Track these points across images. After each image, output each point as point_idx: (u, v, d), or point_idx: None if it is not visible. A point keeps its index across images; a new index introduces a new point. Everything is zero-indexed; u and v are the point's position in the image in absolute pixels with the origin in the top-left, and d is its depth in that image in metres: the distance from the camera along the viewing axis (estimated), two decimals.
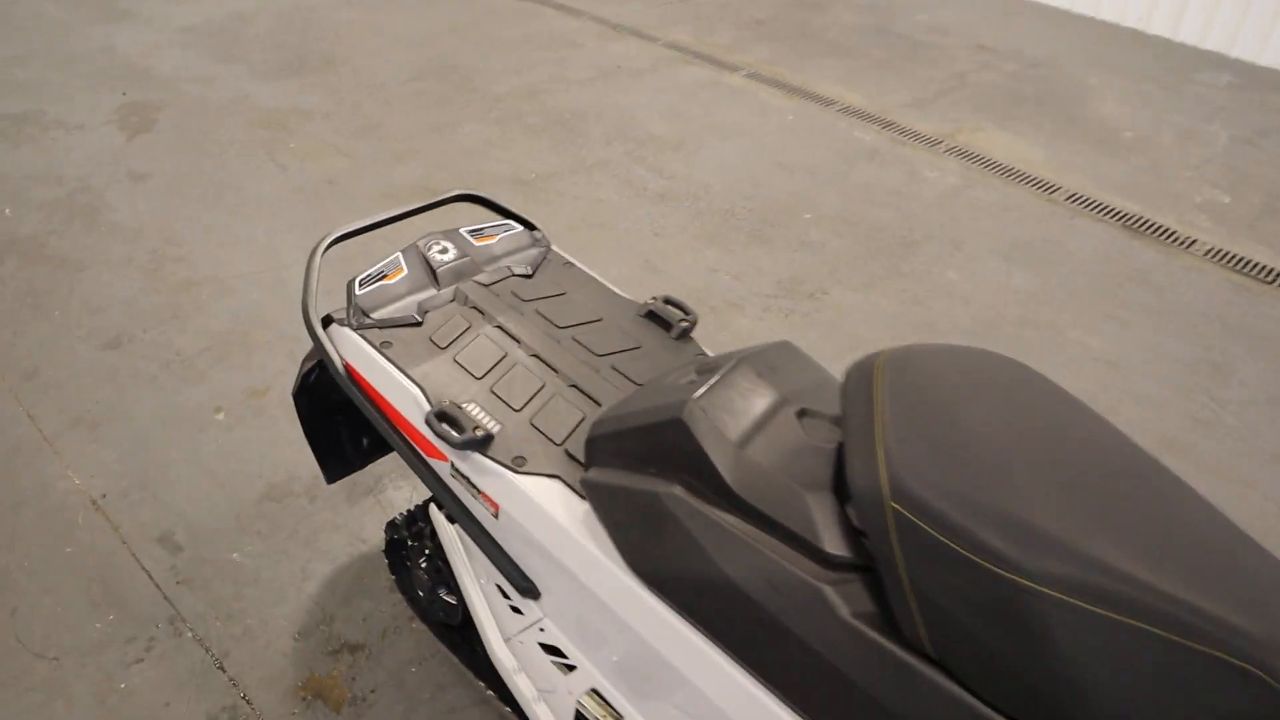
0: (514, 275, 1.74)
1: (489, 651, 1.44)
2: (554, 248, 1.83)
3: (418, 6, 5.16)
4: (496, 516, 1.41)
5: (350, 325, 1.58)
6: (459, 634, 1.84)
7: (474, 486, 1.42)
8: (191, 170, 3.41)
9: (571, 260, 1.81)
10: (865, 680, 1.06)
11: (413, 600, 1.90)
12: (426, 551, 1.75)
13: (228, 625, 1.88)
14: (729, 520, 1.17)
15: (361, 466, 1.92)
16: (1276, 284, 3.39)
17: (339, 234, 1.68)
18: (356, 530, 2.09)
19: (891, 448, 1.04)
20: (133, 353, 2.54)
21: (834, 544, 1.11)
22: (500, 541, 1.44)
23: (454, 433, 1.39)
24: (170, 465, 2.21)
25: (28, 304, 2.69)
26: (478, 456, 1.39)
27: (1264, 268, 3.47)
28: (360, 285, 1.63)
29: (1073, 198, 3.83)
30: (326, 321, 1.62)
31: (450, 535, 1.50)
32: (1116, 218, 3.70)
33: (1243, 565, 0.93)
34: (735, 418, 1.23)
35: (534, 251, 1.80)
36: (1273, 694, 0.84)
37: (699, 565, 1.18)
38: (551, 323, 1.64)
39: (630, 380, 1.54)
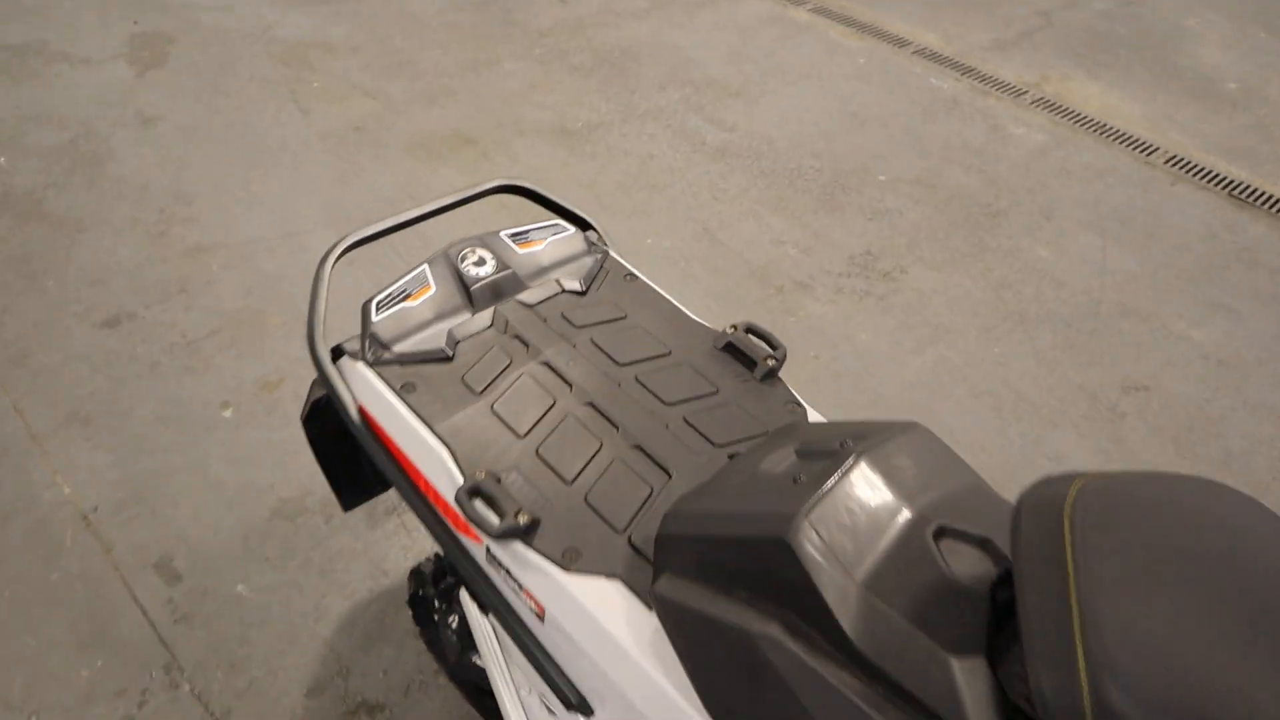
0: (564, 292, 1.44)
1: None
2: (612, 254, 1.52)
3: None
4: (542, 619, 1.14)
5: (365, 360, 1.30)
6: (493, 699, 1.60)
7: (514, 580, 1.15)
8: (205, 113, 3.11)
9: (634, 271, 1.51)
10: None
11: (440, 656, 1.65)
12: (457, 616, 1.50)
13: (230, 676, 1.65)
14: (845, 680, 0.89)
15: (382, 491, 1.66)
16: None
17: (354, 239, 1.39)
18: (378, 559, 1.84)
19: (1096, 651, 0.74)
20: (133, 333, 2.28)
21: None
22: (546, 645, 1.17)
23: (491, 516, 1.12)
24: (171, 473, 1.97)
25: (20, 272, 2.43)
26: (520, 547, 1.12)
27: None
28: (377, 309, 1.34)
29: (1173, 160, 3.44)
30: (337, 353, 1.34)
31: (483, 628, 1.24)
32: (1221, 184, 3.32)
33: None
34: (855, 540, 0.94)
35: (588, 260, 1.50)
36: None
37: None
38: (610, 358, 1.34)
39: (707, 440, 1.25)
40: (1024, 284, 2.76)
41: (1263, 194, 3.29)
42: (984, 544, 0.96)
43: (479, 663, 1.53)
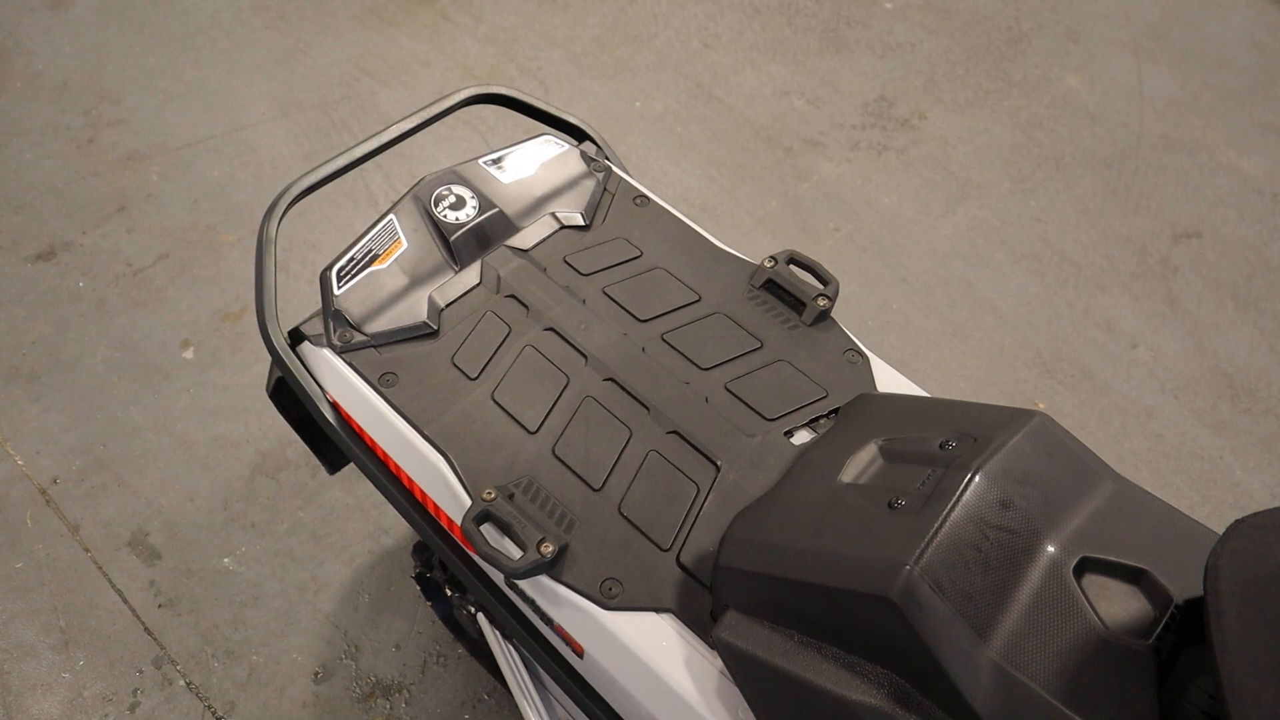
0: (564, 228, 1.19)
1: None
2: (616, 170, 1.27)
3: None
4: (581, 656, 0.96)
5: (331, 345, 1.06)
6: None
7: (544, 614, 0.97)
8: None
9: (645, 192, 1.25)
10: None
11: (457, 632, 1.49)
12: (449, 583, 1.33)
13: (228, 666, 1.49)
14: None
15: None
16: None
17: (300, 188, 1.14)
18: (375, 515, 1.66)
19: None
20: (71, 265, 2.02)
21: None
22: (588, 678, 0.99)
23: (509, 548, 0.92)
24: (134, 432, 1.76)
25: None
26: (549, 583, 0.92)
27: None
28: (339, 279, 1.09)
29: None
30: (297, 338, 1.11)
31: (511, 660, 1.06)
32: None
33: None
34: (979, 591, 0.75)
35: (589, 183, 1.24)
36: None
37: None
38: (629, 313, 1.11)
39: (757, 413, 1.03)
40: (1056, 122, 2.49)
41: None
42: (1138, 576, 0.77)
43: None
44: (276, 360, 1.08)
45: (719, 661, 0.88)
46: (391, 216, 1.15)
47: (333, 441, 1.29)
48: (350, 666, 1.50)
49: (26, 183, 2.18)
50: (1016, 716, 0.70)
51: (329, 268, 1.10)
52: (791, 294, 1.14)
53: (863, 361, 1.10)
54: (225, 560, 1.61)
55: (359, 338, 1.06)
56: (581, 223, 1.20)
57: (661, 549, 0.94)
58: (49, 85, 2.41)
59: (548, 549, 0.90)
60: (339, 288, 1.08)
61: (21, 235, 2.07)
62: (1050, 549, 0.77)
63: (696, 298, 1.14)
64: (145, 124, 2.32)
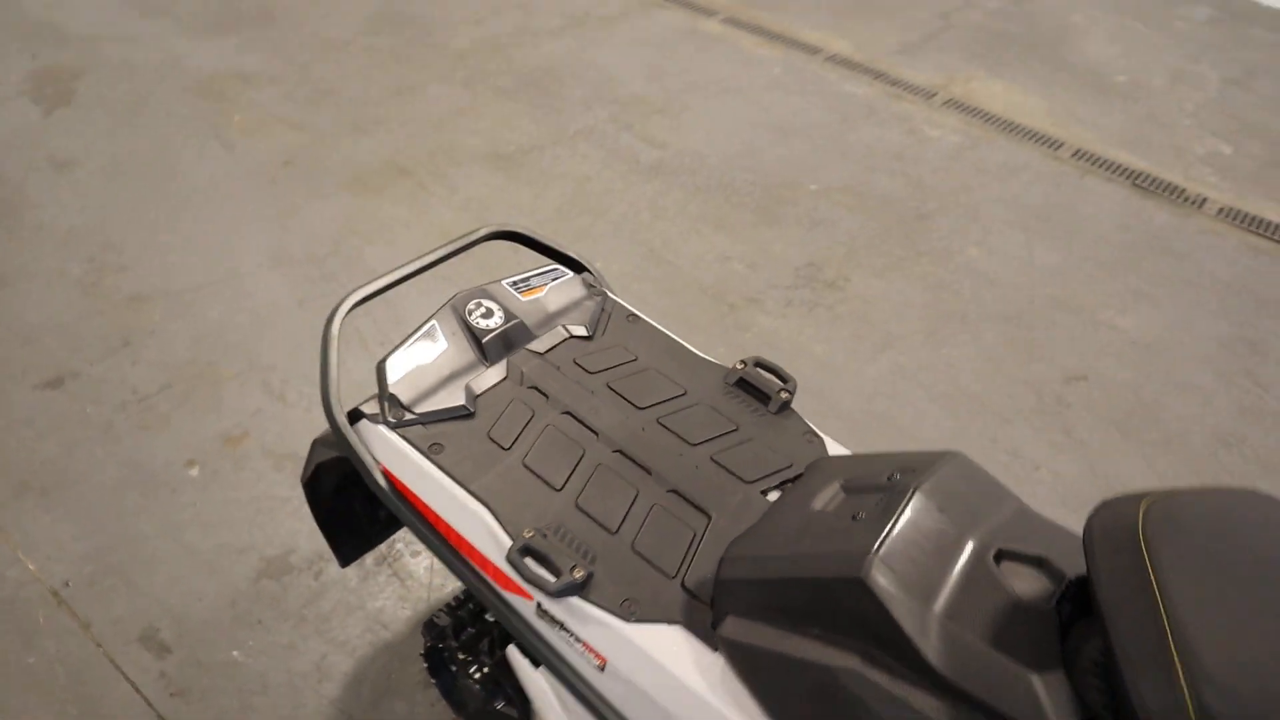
0: (572, 338, 1.44)
1: None
2: (610, 295, 1.54)
3: None
4: (602, 670, 1.15)
5: (386, 422, 1.28)
6: None
7: (571, 634, 1.16)
8: (124, 153, 2.99)
9: (635, 312, 1.52)
10: None
11: (458, 705, 1.63)
12: (484, 666, 1.49)
13: None
14: (930, 704, 0.93)
15: (379, 543, 1.63)
16: None
17: (356, 299, 1.37)
18: (374, 612, 1.81)
19: (1190, 653, 0.80)
20: (79, 393, 2.18)
21: None
22: (607, 696, 1.18)
23: (548, 575, 1.12)
24: (142, 541, 1.90)
25: None
26: (578, 602, 1.12)
27: (1275, 227, 3.31)
28: (393, 369, 1.32)
29: (1078, 154, 3.61)
30: (354, 417, 1.32)
31: (540, 686, 1.24)
32: (1125, 176, 3.50)
33: None
34: (924, 571, 0.98)
35: (590, 304, 1.50)
36: None
37: None
38: (630, 402, 1.35)
39: (738, 478, 1.27)
40: (960, 284, 2.87)
41: (1164, 182, 3.48)
42: (1040, 563, 1.01)
43: (504, 709, 1.52)
44: (338, 434, 1.28)
45: (722, 660, 1.08)
46: (434, 321, 1.38)
47: (347, 534, 1.48)
48: None
49: (34, 319, 2.36)
50: (958, 659, 0.92)
51: (384, 360, 1.32)
52: (759, 389, 1.40)
53: (819, 440, 1.35)
54: (234, 653, 1.73)
55: (410, 416, 1.28)
56: (586, 334, 1.46)
57: (669, 576, 1.15)
58: (55, 235, 2.63)
59: (579, 573, 1.11)
60: (392, 375, 1.31)
61: (30, 365, 2.24)
62: (974, 543, 1.01)
63: (683, 391, 1.39)
64: (147, 270, 2.54)
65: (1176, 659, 0.80)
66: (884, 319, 2.69)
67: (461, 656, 1.51)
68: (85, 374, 2.23)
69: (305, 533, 1.93)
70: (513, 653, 1.27)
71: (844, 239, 2.99)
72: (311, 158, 3.05)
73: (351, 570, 1.87)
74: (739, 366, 1.42)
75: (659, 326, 1.50)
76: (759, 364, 1.43)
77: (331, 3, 4.07)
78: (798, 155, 3.38)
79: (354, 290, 1.38)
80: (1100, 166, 3.54)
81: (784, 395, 1.39)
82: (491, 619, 1.55)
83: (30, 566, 1.83)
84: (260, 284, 2.52)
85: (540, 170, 3.12)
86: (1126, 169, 3.54)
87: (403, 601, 1.83)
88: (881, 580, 0.95)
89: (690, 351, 1.47)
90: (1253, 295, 2.96)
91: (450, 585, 1.85)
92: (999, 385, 2.51)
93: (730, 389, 1.41)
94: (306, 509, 1.91)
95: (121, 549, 1.88)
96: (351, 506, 1.56)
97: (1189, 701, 0.78)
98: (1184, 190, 3.47)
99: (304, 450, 2.02)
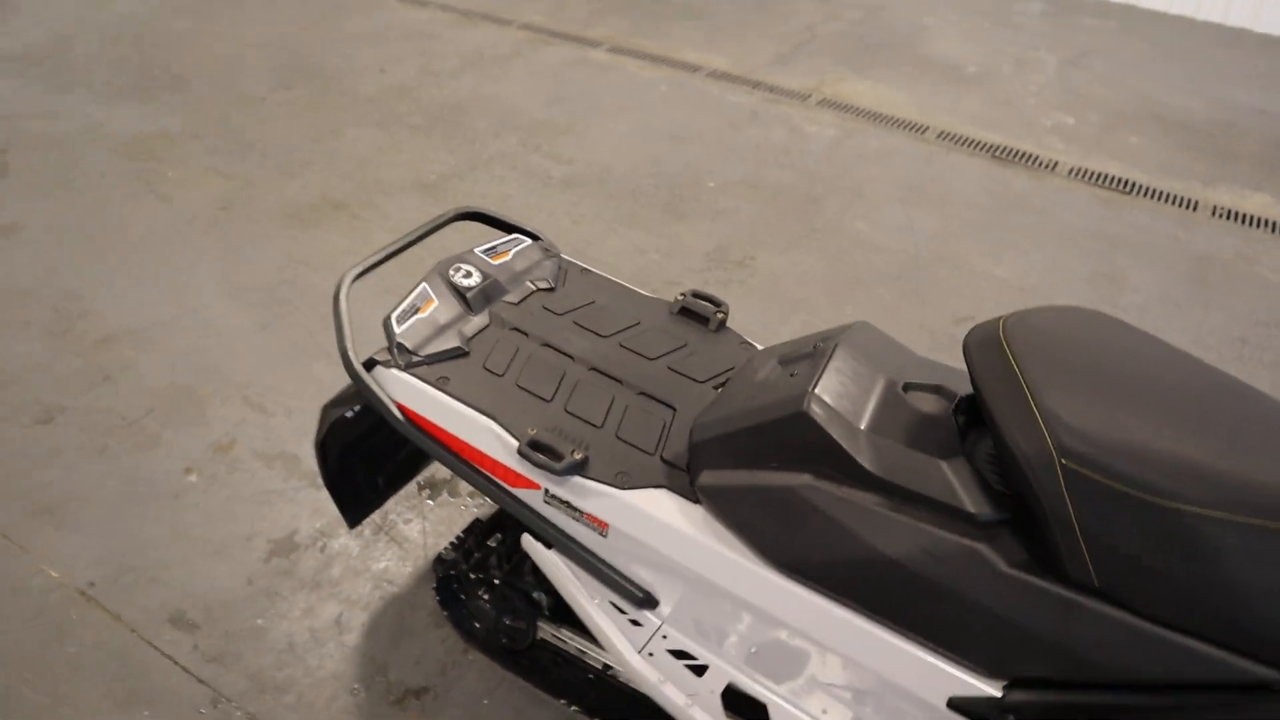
0: (539, 290, 1.71)
1: (625, 669, 1.44)
2: (564, 255, 1.81)
3: (254, 9, 4.88)
4: (604, 535, 1.40)
5: (398, 366, 1.52)
6: (524, 657, 1.82)
7: (576, 509, 1.41)
8: (65, 213, 3.15)
9: (587, 267, 1.80)
10: (1028, 620, 1.13)
11: (469, 632, 1.86)
12: (494, 580, 1.72)
13: (278, 696, 1.80)
14: (870, 500, 1.22)
15: (379, 505, 1.86)
16: (1133, 193, 3.69)
17: (358, 271, 1.61)
18: (379, 573, 2.02)
19: (1046, 410, 1.10)
20: (70, 425, 2.35)
21: (977, 505, 1.17)
22: (609, 560, 1.43)
23: (553, 461, 1.37)
24: (155, 541, 2.07)
25: None
26: (579, 479, 1.38)
27: (1118, 180, 3.77)
28: (397, 322, 1.56)
29: (942, 136, 4.03)
30: (369, 365, 1.55)
31: (554, 563, 1.48)
32: (985, 150, 3.93)
33: None
34: (849, 402, 1.27)
35: (549, 263, 1.77)
36: None
37: (848, 547, 1.22)
38: (594, 333, 1.63)
39: (692, 379, 1.55)
40: (853, 253, 3.21)
41: (1018, 152, 3.92)
42: (938, 389, 1.32)
43: (514, 623, 1.76)
44: (357, 381, 1.51)
45: (702, 509, 1.34)
46: (424, 284, 1.63)
47: (353, 497, 1.71)
48: (382, 681, 1.83)
49: (12, 367, 2.51)
50: (884, 461, 1.21)
51: (388, 316, 1.56)
52: (699, 314, 1.68)
53: (753, 347, 1.64)
54: (258, 621, 1.93)
55: (417, 359, 1.52)
56: (550, 286, 1.72)
57: (649, 454, 1.42)
58: (15, 291, 2.78)
59: (579, 455, 1.37)
60: (398, 327, 1.55)
61: (18, 406, 2.39)
62: (886, 379, 1.30)
63: (637, 321, 1.67)
64: (111, 314, 2.71)
65: (1038, 415, 1.11)
66: (790, 288, 3.02)
67: (472, 576, 1.74)
68: (72, 408, 2.39)
69: (305, 516, 2.14)
70: (527, 540, 1.52)
71: (745, 225, 3.31)
72: (246, 201, 3.25)
73: (352, 541, 2.08)
74: (680, 298, 1.71)
75: (609, 276, 1.78)
76: (695, 294, 1.71)
77: (239, 64, 4.28)
78: (694, 159, 3.71)
79: (352, 267, 1.62)
80: (962, 144, 3.97)
81: (720, 316, 1.68)
82: (493, 544, 1.79)
83: (53, 574, 2.00)
84: (220, 314, 2.72)
85: (463, 193, 3.38)
86: (985, 144, 3.97)
87: (403, 561, 2.05)
88: (818, 411, 1.24)
89: (638, 292, 1.75)
90: (1106, 238, 3.38)
91: (444, 539, 2.07)
92: (898, 330, 2.85)
93: (675, 316, 1.69)
94: (302, 497, 2.14)
95: (137, 550, 2.05)
96: (356, 471, 1.79)
97: (1049, 442, 1.08)
98: (1037, 157, 3.91)
99: (291, 449, 2.25)
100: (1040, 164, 3.86)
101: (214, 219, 3.13)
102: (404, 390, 1.51)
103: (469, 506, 2.17)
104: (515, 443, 1.41)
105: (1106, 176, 3.80)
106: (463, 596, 1.81)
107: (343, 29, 4.69)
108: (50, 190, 3.27)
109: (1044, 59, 4.91)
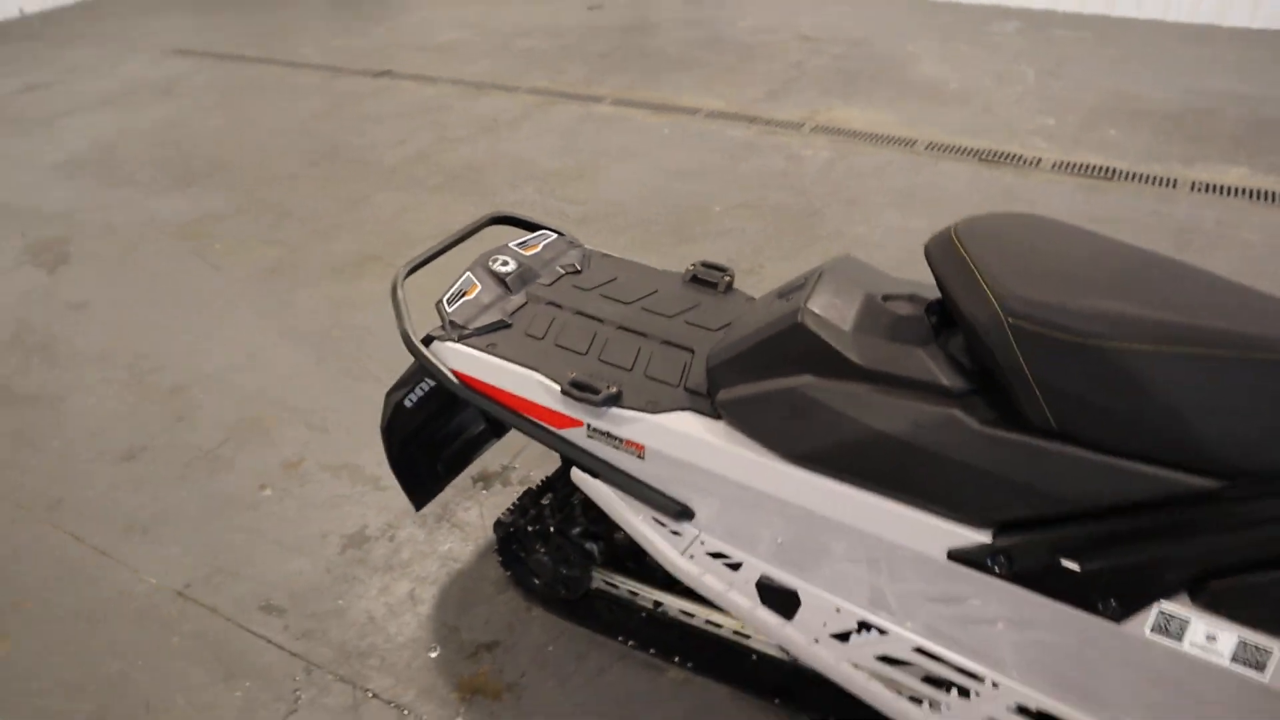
0: (567, 273, 1.94)
1: (672, 569, 1.63)
2: (587, 246, 2.04)
3: (277, 102, 5.26)
4: (642, 457, 1.61)
5: (452, 339, 1.75)
6: (580, 607, 2.01)
7: (615, 438, 1.62)
8: (128, 288, 3.44)
9: (608, 253, 2.03)
10: (1004, 469, 1.33)
11: (529, 589, 2.05)
12: (550, 530, 1.92)
13: (363, 661, 1.99)
14: (862, 389, 1.42)
15: (441, 489, 2.07)
16: (1115, 179, 3.90)
17: (412, 265, 1.86)
18: (445, 553, 2.23)
19: (994, 284, 1.31)
20: (152, 459, 2.59)
21: (951, 379, 1.37)
22: (647, 480, 1.64)
23: (592, 395, 1.59)
24: (238, 546, 2.29)
25: (22, 442, 2.69)
26: (615, 410, 1.60)
27: (1100, 168, 3.99)
28: (448, 304, 1.80)
29: (931, 147, 4.28)
30: (426, 342, 1.78)
31: (601, 490, 1.68)
32: (972, 155, 4.17)
33: (1260, 303, 1.24)
34: (838, 312, 1.49)
35: (574, 251, 2.01)
36: None
37: (847, 430, 1.42)
38: (619, 301, 1.85)
39: (706, 328, 1.77)
40: (854, 252, 3.44)
41: (1004, 153, 4.16)
42: (912, 297, 1.53)
43: (569, 572, 1.95)
44: (418, 355, 1.74)
45: (723, 423, 1.55)
46: (468, 273, 1.88)
47: (418, 480, 1.93)
48: (455, 640, 2.02)
49: (97, 417, 2.77)
50: (870, 354, 1.41)
51: (440, 299, 1.80)
52: (709, 280, 1.91)
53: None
54: (339, 602, 2.13)
55: (469, 332, 1.76)
56: (577, 269, 1.96)
57: (674, 386, 1.63)
58: (90, 355, 3.05)
59: (614, 389, 1.58)
60: (450, 308, 1.79)
61: (103, 449, 2.64)
62: (867, 292, 1.52)
63: (655, 290, 1.89)
64: (179, 367, 2.97)
65: (986, 288, 1.32)
66: None
67: (530, 529, 1.94)
68: (152, 445, 2.63)
69: (372, 513, 2.35)
70: (576, 474, 1.72)
71: (751, 240, 3.56)
72: (291, 263, 3.53)
73: (417, 530, 2.29)
74: (690, 268, 1.93)
75: (628, 258, 2.01)
76: (704, 264, 1.94)
77: (270, 149, 4.62)
78: (698, 189, 3.98)
79: (405, 263, 1.87)
80: (950, 153, 4.21)
81: (727, 279, 1.90)
82: (545, 502, 1.99)
83: (151, 580, 2.21)
84: (279, 356, 2.97)
85: (489, 239, 3.63)
86: (972, 150, 4.22)
87: (465, 542, 2.25)
88: (811, 321, 1.45)
89: (653, 268, 1.98)
90: (1091, 219, 3.59)
91: (495, 511, 2.27)
92: None
93: (688, 284, 1.92)
94: (369, 499, 2.36)
95: (223, 554, 2.27)
96: (418, 457, 2.01)
97: (997, 307, 1.29)
98: (1022, 156, 4.15)
99: (355, 461, 2.48)
100: (1025, 162, 4.10)
101: (264, 280, 3.41)
102: (458, 359, 1.74)
103: (520, 487, 2.38)
104: (558, 387, 1.63)
105: (1089, 167, 4.02)
106: (522, 555, 2.01)
107: (361, 110, 5.05)
108: (112, 271, 3.57)
109: (1022, 71, 5.18)
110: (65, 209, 4.12)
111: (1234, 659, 1.25)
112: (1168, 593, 1.29)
